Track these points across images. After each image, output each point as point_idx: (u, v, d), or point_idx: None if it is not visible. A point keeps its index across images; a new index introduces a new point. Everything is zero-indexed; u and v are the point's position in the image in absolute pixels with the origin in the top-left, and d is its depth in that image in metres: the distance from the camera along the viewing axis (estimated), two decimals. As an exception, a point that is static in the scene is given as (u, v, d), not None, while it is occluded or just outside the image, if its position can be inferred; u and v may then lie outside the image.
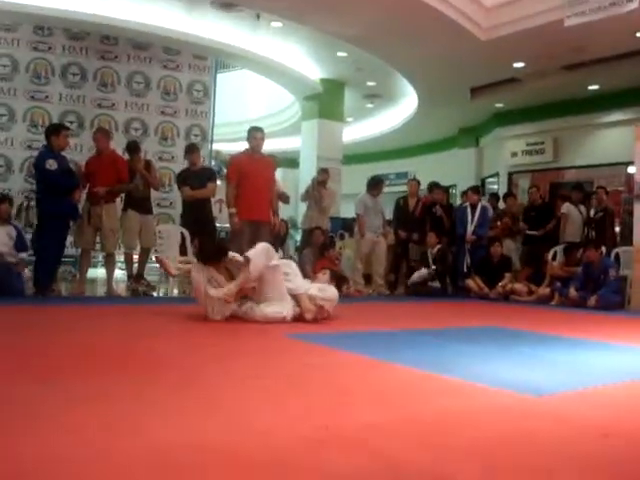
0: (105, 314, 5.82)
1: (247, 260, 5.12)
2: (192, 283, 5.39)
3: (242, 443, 1.95)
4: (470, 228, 10.02)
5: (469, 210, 10.12)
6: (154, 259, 6.44)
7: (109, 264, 7.94)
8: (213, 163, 11.69)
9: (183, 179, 8.53)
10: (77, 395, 2.47)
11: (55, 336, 4.12)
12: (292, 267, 5.56)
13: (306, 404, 2.51)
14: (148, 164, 8.44)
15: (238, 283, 5.15)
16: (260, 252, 5.21)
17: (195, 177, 8.37)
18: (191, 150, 8.68)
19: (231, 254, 5.48)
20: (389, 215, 10.76)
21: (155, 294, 8.25)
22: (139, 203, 8.05)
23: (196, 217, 8.22)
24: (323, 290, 5.50)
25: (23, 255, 7.38)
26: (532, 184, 11.66)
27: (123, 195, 8.19)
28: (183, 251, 8.25)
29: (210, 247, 5.56)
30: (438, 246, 9.86)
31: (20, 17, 9.74)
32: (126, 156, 8.32)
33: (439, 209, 10.45)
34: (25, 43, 10.05)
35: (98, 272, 10.03)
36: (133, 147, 8.46)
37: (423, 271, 9.67)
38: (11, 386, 2.59)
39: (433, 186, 10.92)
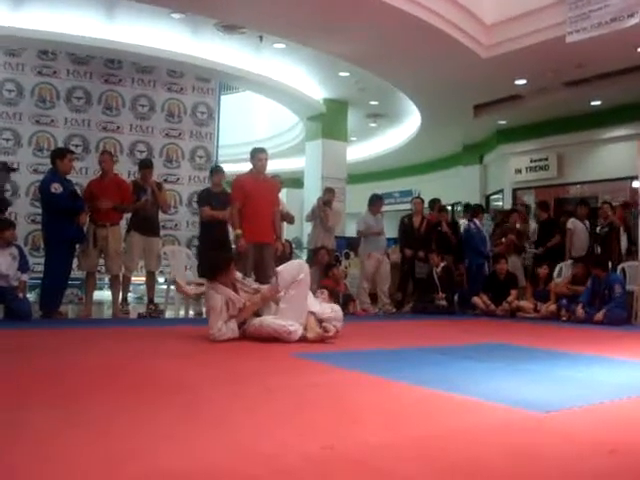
0: (111, 336, 5.83)
1: (276, 273, 5.24)
2: (208, 301, 5.38)
3: (247, 465, 1.94)
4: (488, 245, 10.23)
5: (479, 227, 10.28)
6: (174, 286, 6.42)
7: (115, 286, 7.96)
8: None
9: (204, 199, 8.51)
10: (82, 418, 2.47)
11: (62, 359, 4.12)
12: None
13: (312, 424, 2.50)
14: (159, 186, 8.45)
15: (264, 293, 5.26)
16: (291, 267, 5.34)
17: (215, 198, 8.36)
18: (216, 171, 8.72)
19: (239, 275, 5.52)
20: (390, 233, 10.83)
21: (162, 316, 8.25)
22: (144, 224, 8.05)
23: (214, 238, 8.14)
24: (336, 310, 5.52)
25: (25, 277, 7.38)
26: (537, 202, 11.73)
27: (128, 216, 8.21)
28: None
29: (214, 260, 5.57)
30: (442, 264, 9.88)
31: (24, 42, 9.81)
32: (131, 178, 8.31)
33: (445, 226, 10.52)
34: (30, 68, 10.11)
35: (104, 294, 10.04)
36: (147, 163, 8.50)
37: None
38: (18, 410, 2.58)
39: (436, 203, 11.02)
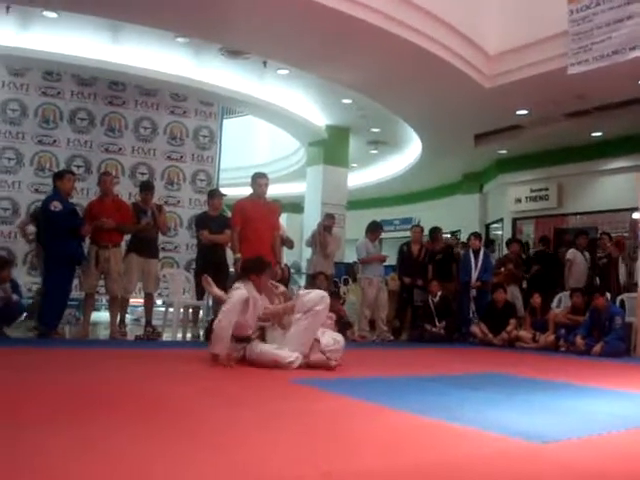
0: (109, 358, 5.80)
1: (297, 295, 5.37)
2: (230, 292, 5.38)
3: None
4: (475, 274, 10.01)
5: (472, 256, 10.13)
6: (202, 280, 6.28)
7: (113, 307, 7.93)
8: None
9: (202, 223, 8.47)
10: (82, 439, 2.45)
11: (61, 380, 4.08)
12: None
13: (309, 450, 2.48)
14: (160, 208, 8.46)
15: (278, 308, 5.34)
16: (313, 295, 5.36)
17: (213, 222, 8.33)
18: (214, 195, 8.66)
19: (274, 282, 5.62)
20: (389, 261, 10.80)
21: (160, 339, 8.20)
22: (143, 246, 8.04)
23: (212, 261, 8.07)
24: (337, 340, 5.46)
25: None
26: (539, 238, 11.86)
27: (127, 237, 8.21)
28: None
29: (251, 260, 5.72)
30: (439, 293, 9.84)
31: (29, 62, 9.89)
32: (132, 200, 8.32)
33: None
34: (34, 88, 10.20)
35: (101, 315, 10.01)
36: (148, 185, 8.53)
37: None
38: (12, 429, 2.57)
39: (435, 233, 11.00)
